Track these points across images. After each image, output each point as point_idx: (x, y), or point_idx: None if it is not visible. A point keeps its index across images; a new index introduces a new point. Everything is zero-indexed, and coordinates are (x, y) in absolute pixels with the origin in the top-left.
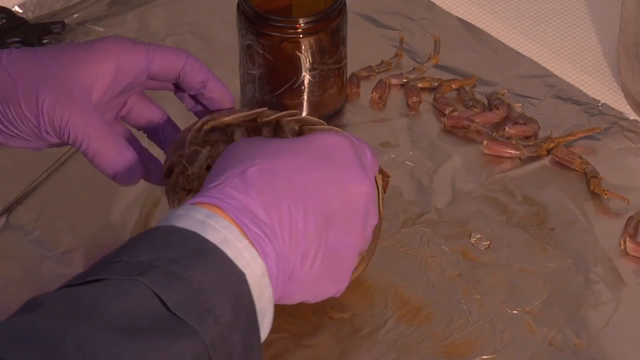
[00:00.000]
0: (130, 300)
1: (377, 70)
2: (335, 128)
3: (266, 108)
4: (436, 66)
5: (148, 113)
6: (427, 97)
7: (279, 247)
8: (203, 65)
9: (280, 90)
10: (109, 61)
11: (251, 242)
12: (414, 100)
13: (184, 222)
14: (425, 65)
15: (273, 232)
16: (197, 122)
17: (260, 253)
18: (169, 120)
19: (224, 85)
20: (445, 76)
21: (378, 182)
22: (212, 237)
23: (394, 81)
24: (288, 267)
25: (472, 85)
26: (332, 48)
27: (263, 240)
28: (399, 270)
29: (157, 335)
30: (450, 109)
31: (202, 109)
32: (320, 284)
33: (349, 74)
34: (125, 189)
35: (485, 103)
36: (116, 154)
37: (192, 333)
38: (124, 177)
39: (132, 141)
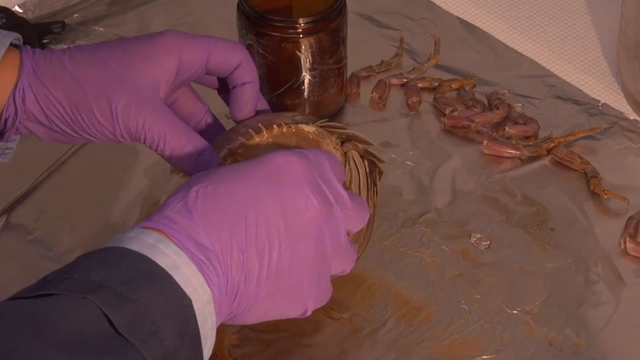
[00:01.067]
0: (80, 318)
1: (377, 70)
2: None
3: (297, 117)
4: (436, 66)
5: (192, 106)
6: (427, 97)
7: (221, 269)
8: (254, 65)
9: (281, 90)
10: (172, 56)
11: (198, 269)
12: (414, 100)
13: (135, 245)
14: (426, 65)
15: (215, 255)
16: (232, 135)
17: (206, 279)
18: (212, 116)
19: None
20: (445, 76)
21: (363, 174)
22: (161, 261)
23: (394, 81)
24: (232, 287)
25: (472, 85)
26: (332, 48)
27: (206, 266)
28: (399, 270)
29: (103, 354)
30: (450, 108)
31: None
32: (275, 303)
33: (349, 74)
34: (125, 189)
35: (486, 103)
36: (193, 151)
37: (136, 355)
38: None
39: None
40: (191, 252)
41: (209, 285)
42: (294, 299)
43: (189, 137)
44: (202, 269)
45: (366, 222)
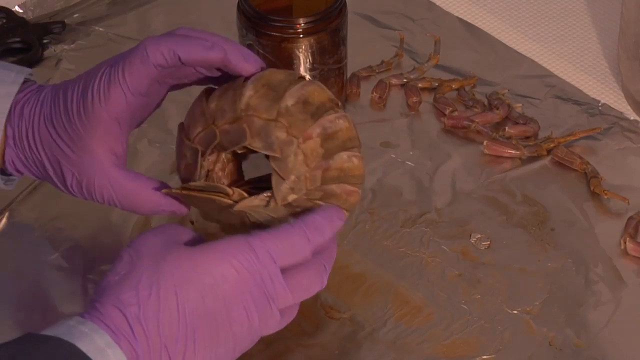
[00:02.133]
0: None
1: (377, 70)
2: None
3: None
4: (436, 66)
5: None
6: (427, 97)
7: None
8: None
9: None
10: (111, 123)
11: None
12: (414, 100)
13: (85, 345)
14: (426, 65)
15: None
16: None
17: None
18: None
19: (242, 55)
20: (446, 76)
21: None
22: None
23: (394, 81)
24: None
25: (472, 85)
26: (332, 48)
27: None
28: (399, 270)
29: None
30: (451, 109)
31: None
32: None
33: (349, 74)
34: None
35: (486, 103)
36: (153, 206)
37: None
38: (169, 213)
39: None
40: None
41: None
42: None
43: (146, 196)
44: None
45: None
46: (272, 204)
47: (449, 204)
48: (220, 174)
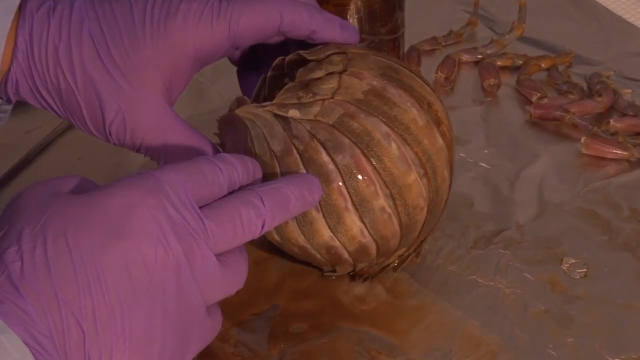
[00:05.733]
0: None
1: (443, 43)
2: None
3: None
4: (521, 39)
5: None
6: (509, 79)
7: (58, 355)
8: (305, 15)
9: None
10: (185, 56)
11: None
12: (491, 83)
13: None
14: (507, 37)
15: (52, 340)
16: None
17: None
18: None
19: (338, 29)
20: (533, 52)
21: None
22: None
23: (465, 57)
24: None
25: (567, 64)
26: (385, 13)
27: (42, 356)
28: (468, 304)
29: None
30: (539, 95)
31: None
32: None
33: (406, 48)
34: None
35: (585, 88)
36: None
37: None
38: None
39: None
40: (27, 344)
41: None
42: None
43: (196, 152)
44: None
45: (243, 238)
46: (268, 108)
47: (534, 219)
48: None
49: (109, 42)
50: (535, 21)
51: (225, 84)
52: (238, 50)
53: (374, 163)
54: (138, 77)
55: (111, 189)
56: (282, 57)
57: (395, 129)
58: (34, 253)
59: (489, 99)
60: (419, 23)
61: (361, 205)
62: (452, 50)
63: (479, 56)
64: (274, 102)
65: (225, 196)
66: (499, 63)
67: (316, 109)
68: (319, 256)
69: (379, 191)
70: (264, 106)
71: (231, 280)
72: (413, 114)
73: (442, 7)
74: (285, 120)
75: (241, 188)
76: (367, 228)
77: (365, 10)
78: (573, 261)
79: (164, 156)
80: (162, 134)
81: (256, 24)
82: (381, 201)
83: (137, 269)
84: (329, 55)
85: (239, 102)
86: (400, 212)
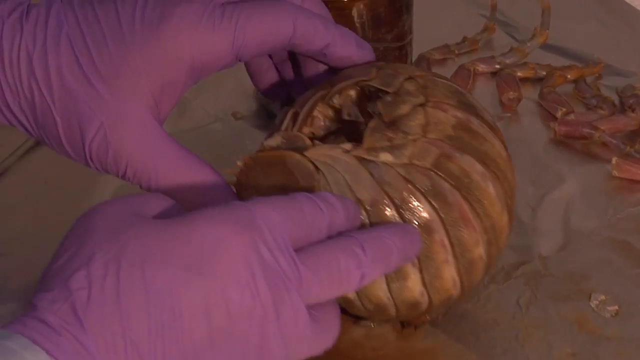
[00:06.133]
0: None
1: (456, 52)
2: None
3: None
4: (544, 46)
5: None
6: (531, 92)
7: None
8: (320, 27)
9: None
10: (180, 65)
11: None
12: (511, 97)
13: None
14: (528, 44)
15: None
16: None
17: None
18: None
19: (354, 46)
20: (558, 61)
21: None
22: None
23: (481, 67)
24: None
25: (596, 75)
26: (390, 18)
27: None
28: (485, 346)
29: None
30: (564, 110)
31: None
32: None
33: (415, 56)
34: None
35: (616, 102)
36: (197, 191)
37: None
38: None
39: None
40: None
41: None
42: None
43: (191, 176)
44: None
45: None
46: (355, 152)
47: (559, 250)
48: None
49: (91, 49)
50: (561, 26)
51: (210, 98)
52: (241, 61)
53: (476, 208)
54: (124, 88)
55: (199, 219)
56: (323, 87)
57: (489, 166)
58: (104, 282)
59: (508, 114)
60: (429, 29)
61: (462, 256)
62: (466, 60)
63: (497, 66)
64: (363, 146)
65: (322, 241)
66: (519, 74)
67: (409, 150)
68: (392, 313)
69: (480, 238)
70: (348, 150)
71: (321, 337)
72: (497, 147)
73: (455, 10)
74: (373, 165)
75: (340, 234)
76: (461, 279)
77: (368, 14)
78: (603, 297)
79: (155, 183)
80: (150, 157)
81: (265, 32)
82: (480, 249)
83: (219, 315)
84: (402, 83)
85: (288, 140)
86: (491, 258)
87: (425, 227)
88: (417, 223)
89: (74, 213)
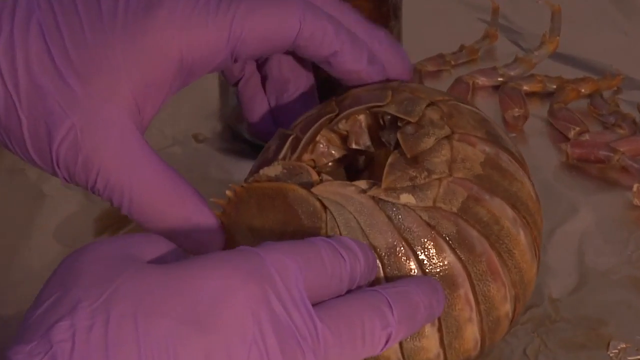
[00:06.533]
0: None
1: (453, 62)
2: None
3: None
4: (554, 55)
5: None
6: (539, 109)
7: None
8: (330, 31)
9: None
10: (167, 62)
11: None
12: (516, 114)
13: None
14: (536, 54)
15: None
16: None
17: None
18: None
19: (365, 61)
20: (570, 73)
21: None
22: None
23: (482, 81)
24: None
25: (614, 89)
26: (377, 23)
27: None
28: None
29: None
30: (578, 129)
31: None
32: None
33: None
34: (20, 258)
35: (637, 120)
36: (182, 224)
37: None
38: (200, 245)
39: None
40: None
41: None
42: None
43: (175, 201)
44: None
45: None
46: (372, 192)
47: (573, 291)
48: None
49: (65, 38)
50: (573, 33)
51: (167, 117)
52: (237, 62)
53: (506, 259)
54: (101, 87)
55: (202, 265)
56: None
57: (520, 210)
58: (89, 335)
59: (514, 134)
60: (420, 36)
61: (488, 314)
62: (464, 71)
63: (500, 79)
64: (382, 185)
65: (343, 295)
66: (525, 88)
67: (434, 192)
68: None
69: (508, 294)
70: (364, 189)
71: None
72: (527, 186)
73: (451, 15)
74: (391, 208)
75: (359, 287)
76: (483, 339)
77: None
78: (623, 345)
79: (128, 201)
80: (126, 168)
81: (267, 29)
82: (507, 306)
83: None
84: (424, 111)
85: (290, 170)
86: (516, 315)
87: (449, 281)
88: (439, 276)
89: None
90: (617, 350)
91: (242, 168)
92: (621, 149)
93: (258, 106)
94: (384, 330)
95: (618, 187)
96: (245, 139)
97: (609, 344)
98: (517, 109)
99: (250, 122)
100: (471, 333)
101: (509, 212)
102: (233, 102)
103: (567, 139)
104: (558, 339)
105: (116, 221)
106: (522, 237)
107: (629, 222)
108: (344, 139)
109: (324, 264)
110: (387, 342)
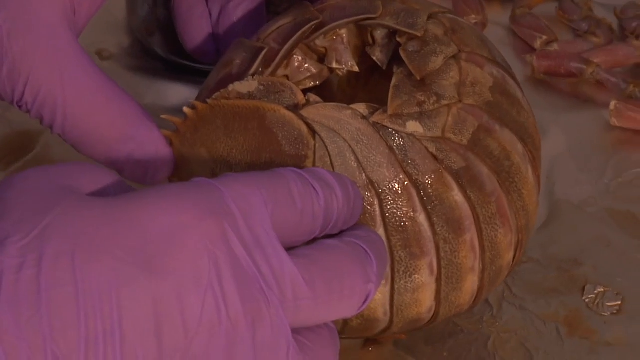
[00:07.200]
0: None
1: None
2: None
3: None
4: None
5: None
6: (499, 15)
7: None
8: None
9: None
10: None
11: None
12: (472, 22)
13: None
14: None
15: None
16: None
17: None
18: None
19: None
20: None
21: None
22: None
23: None
24: None
25: None
26: None
27: None
28: (449, 354)
29: None
30: (545, 37)
31: None
32: None
33: None
34: None
35: (614, 26)
36: (123, 143)
37: None
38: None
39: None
40: None
41: None
42: None
43: (115, 116)
44: None
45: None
46: (375, 117)
47: (542, 227)
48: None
49: None
50: None
51: None
52: None
53: (516, 201)
54: None
55: (150, 198)
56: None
57: (527, 145)
58: (18, 275)
59: None
60: None
61: (492, 263)
62: None
63: None
64: (388, 111)
65: (318, 239)
66: None
67: (442, 120)
68: (380, 329)
69: (512, 240)
70: (363, 114)
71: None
72: (532, 117)
73: None
74: (394, 136)
75: (337, 228)
76: (479, 293)
77: None
78: (601, 289)
79: (62, 116)
80: (59, 77)
81: None
82: (510, 255)
83: (171, 326)
84: (426, 25)
85: (269, 87)
86: (514, 265)
87: (454, 225)
88: (444, 218)
89: None
90: (593, 295)
91: (155, 90)
92: (595, 61)
93: (198, 18)
94: (366, 285)
95: (592, 104)
96: (158, 54)
97: (584, 288)
98: (473, 15)
99: (185, 38)
100: (471, 285)
101: (519, 146)
102: (143, 10)
103: (532, 49)
104: (524, 282)
105: (8, 153)
106: (530, 176)
107: (605, 145)
108: (321, 58)
109: (293, 199)
110: (365, 301)
